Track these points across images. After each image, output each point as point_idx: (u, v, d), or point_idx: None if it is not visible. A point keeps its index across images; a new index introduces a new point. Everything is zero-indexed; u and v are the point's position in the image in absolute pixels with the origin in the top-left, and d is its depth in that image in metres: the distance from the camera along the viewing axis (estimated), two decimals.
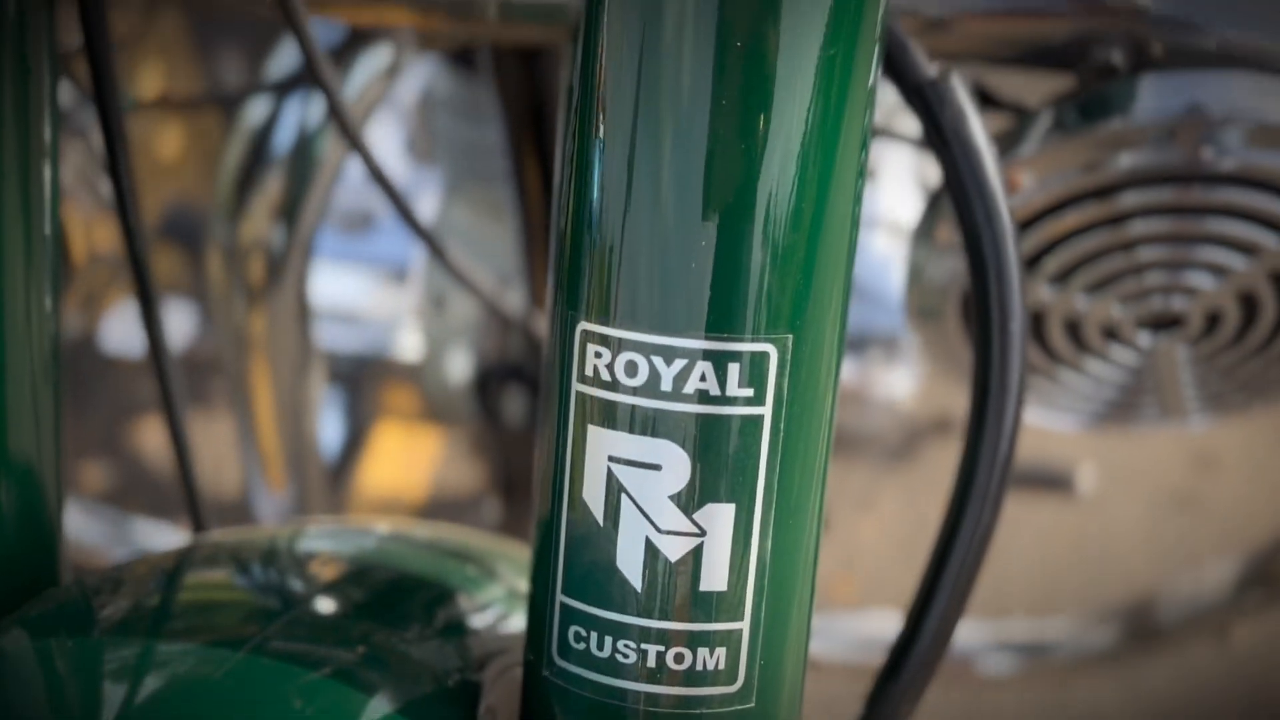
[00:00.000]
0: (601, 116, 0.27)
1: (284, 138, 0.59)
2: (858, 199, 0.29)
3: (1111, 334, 0.50)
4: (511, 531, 0.88)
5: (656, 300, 0.27)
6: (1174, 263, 0.47)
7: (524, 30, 0.47)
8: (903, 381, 0.93)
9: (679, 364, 0.27)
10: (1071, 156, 0.45)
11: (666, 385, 0.27)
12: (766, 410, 0.27)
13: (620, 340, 0.27)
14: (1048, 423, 0.55)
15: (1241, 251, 0.46)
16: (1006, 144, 0.47)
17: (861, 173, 0.29)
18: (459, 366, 0.82)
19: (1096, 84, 0.45)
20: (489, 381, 0.80)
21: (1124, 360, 0.51)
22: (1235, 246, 0.46)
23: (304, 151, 0.60)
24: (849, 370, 0.93)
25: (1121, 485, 1.42)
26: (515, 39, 0.53)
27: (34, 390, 0.35)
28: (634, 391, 0.27)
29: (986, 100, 0.50)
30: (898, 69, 0.35)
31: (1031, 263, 0.48)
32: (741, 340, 0.27)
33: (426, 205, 0.83)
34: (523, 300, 0.74)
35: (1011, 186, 0.46)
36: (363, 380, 0.88)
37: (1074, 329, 0.50)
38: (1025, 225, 0.47)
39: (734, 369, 0.27)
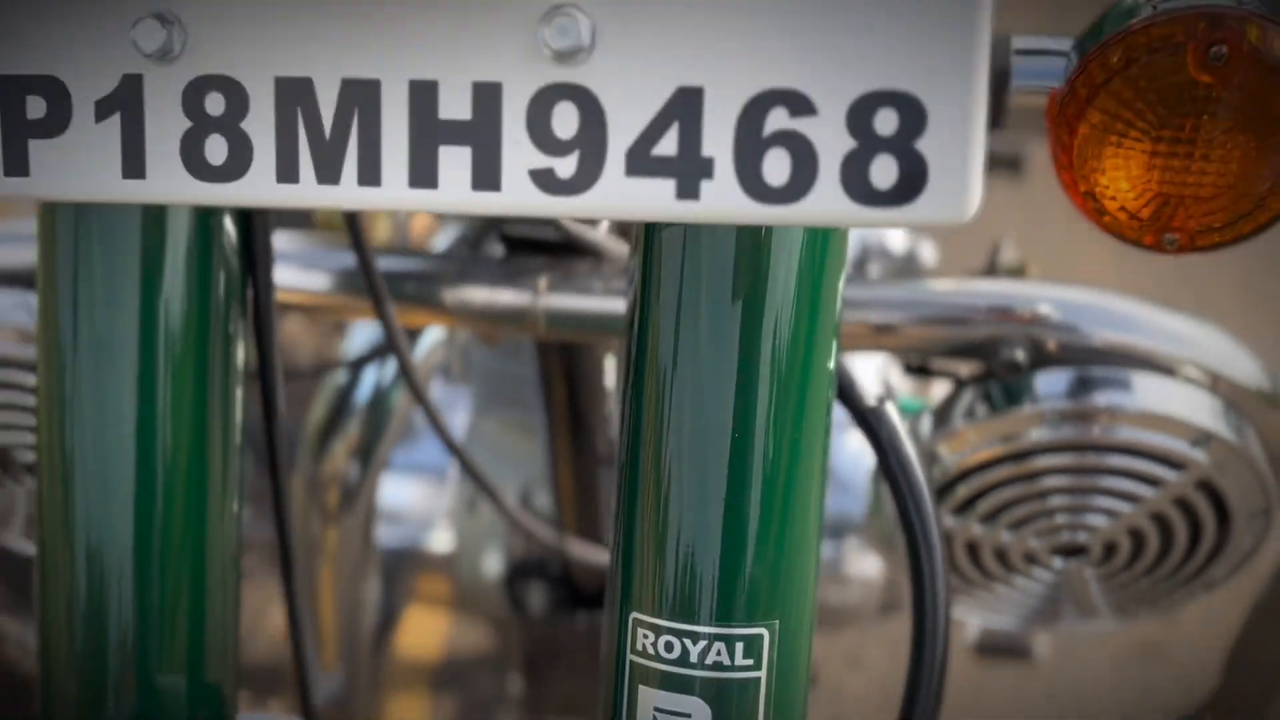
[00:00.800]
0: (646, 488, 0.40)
1: (363, 394, 0.73)
2: (820, 513, 0.42)
3: (1031, 559, 0.63)
4: (531, 707, 0.99)
5: (685, 599, 0.40)
6: (1076, 507, 0.60)
7: (569, 333, 0.61)
8: (875, 562, 1.05)
9: (702, 644, 0.39)
10: (991, 431, 0.58)
11: (694, 658, 0.39)
12: (763, 674, 0.40)
13: (662, 626, 0.40)
14: (991, 625, 0.68)
15: (1125, 499, 0.59)
16: (942, 417, 0.60)
17: (822, 496, 0.42)
18: (487, 560, 0.94)
19: (1007, 374, 0.58)
20: (515, 575, 0.92)
21: (1043, 578, 0.64)
22: (1121, 496, 0.59)
23: (379, 405, 0.73)
24: (827, 552, 1.05)
25: (1083, 643, 1.54)
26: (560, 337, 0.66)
27: (224, 580, 0.46)
28: (671, 662, 0.40)
29: (929, 372, 0.64)
30: (846, 397, 0.48)
31: (965, 507, 0.61)
32: (743, 626, 0.40)
33: (459, 420, 0.96)
34: (549, 502, 0.87)
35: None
36: (402, 570, 1.00)
37: (1001, 555, 0.63)
38: (960, 479, 0.60)
39: (739, 646, 0.40)
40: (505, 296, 0.59)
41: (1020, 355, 0.58)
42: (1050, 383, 0.58)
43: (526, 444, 0.92)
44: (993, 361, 0.58)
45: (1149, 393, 0.57)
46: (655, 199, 0.35)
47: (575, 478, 0.79)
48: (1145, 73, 0.41)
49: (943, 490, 0.60)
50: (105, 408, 0.43)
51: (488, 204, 0.36)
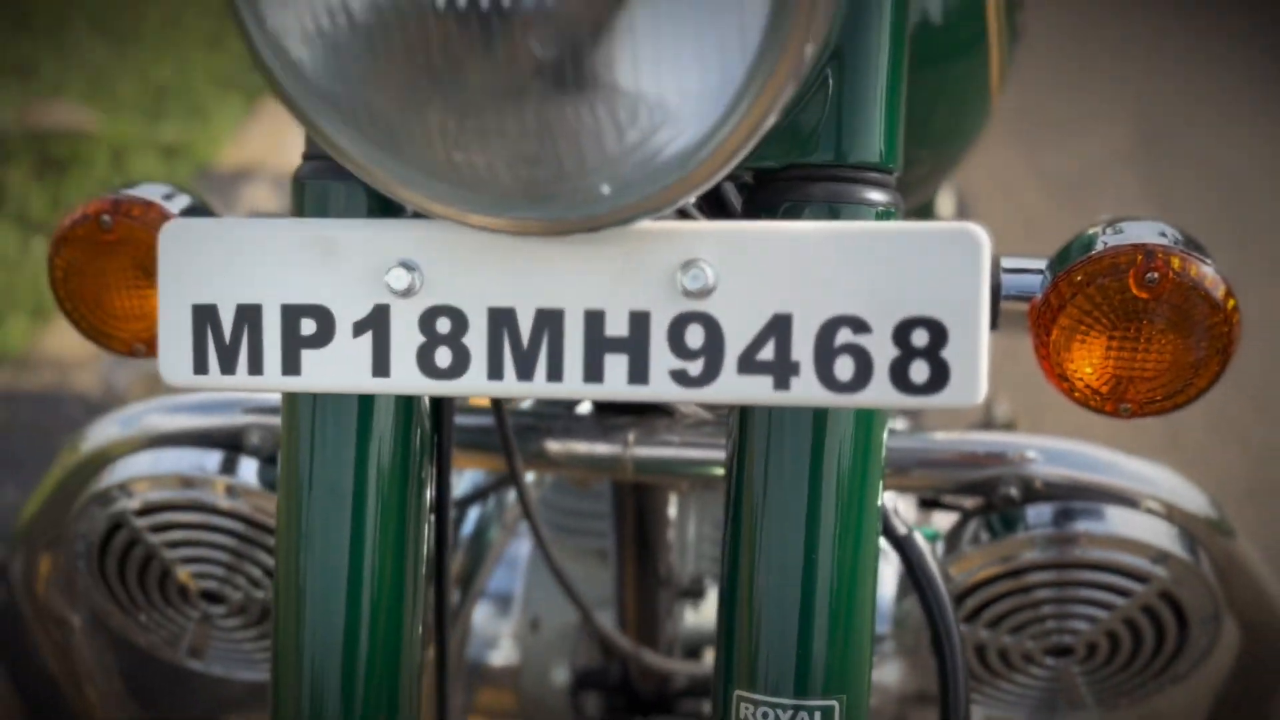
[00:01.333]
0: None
1: (466, 528, 0.87)
2: (873, 615, 0.56)
3: (1028, 658, 0.77)
4: None
5: (775, 676, 0.54)
6: (1062, 614, 0.74)
7: (652, 478, 0.76)
8: (899, 668, 1.19)
9: (788, 713, 0.53)
10: (992, 554, 0.73)
11: None
12: None
13: (759, 700, 0.54)
14: (1000, 714, 0.82)
15: (1101, 607, 0.73)
16: (952, 542, 0.75)
17: (873, 603, 0.56)
18: (552, 673, 1.07)
19: (1003, 507, 0.73)
20: (578, 684, 1.05)
21: (1039, 675, 0.78)
22: (1098, 605, 0.73)
23: (480, 537, 0.87)
24: None
25: None
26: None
27: (413, 683, 0.60)
28: None
29: (941, 505, 0.79)
30: (885, 528, 0.63)
31: (973, 616, 0.75)
32: (817, 698, 0.53)
33: (526, 547, 1.10)
34: (611, 620, 1.00)
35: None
36: (470, 682, 1.13)
37: (1004, 656, 0.77)
38: (968, 594, 0.74)
39: (818, 714, 0.53)
40: (601, 448, 0.74)
41: (1014, 492, 0.73)
42: (1038, 514, 0.73)
43: (584, 568, 1.05)
44: (992, 497, 0.73)
45: (1117, 521, 0.72)
46: (758, 390, 0.50)
47: (639, 595, 0.93)
48: (1100, 290, 0.57)
49: (955, 603, 0.74)
50: (330, 540, 0.57)
51: (639, 394, 0.51)
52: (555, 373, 0.52)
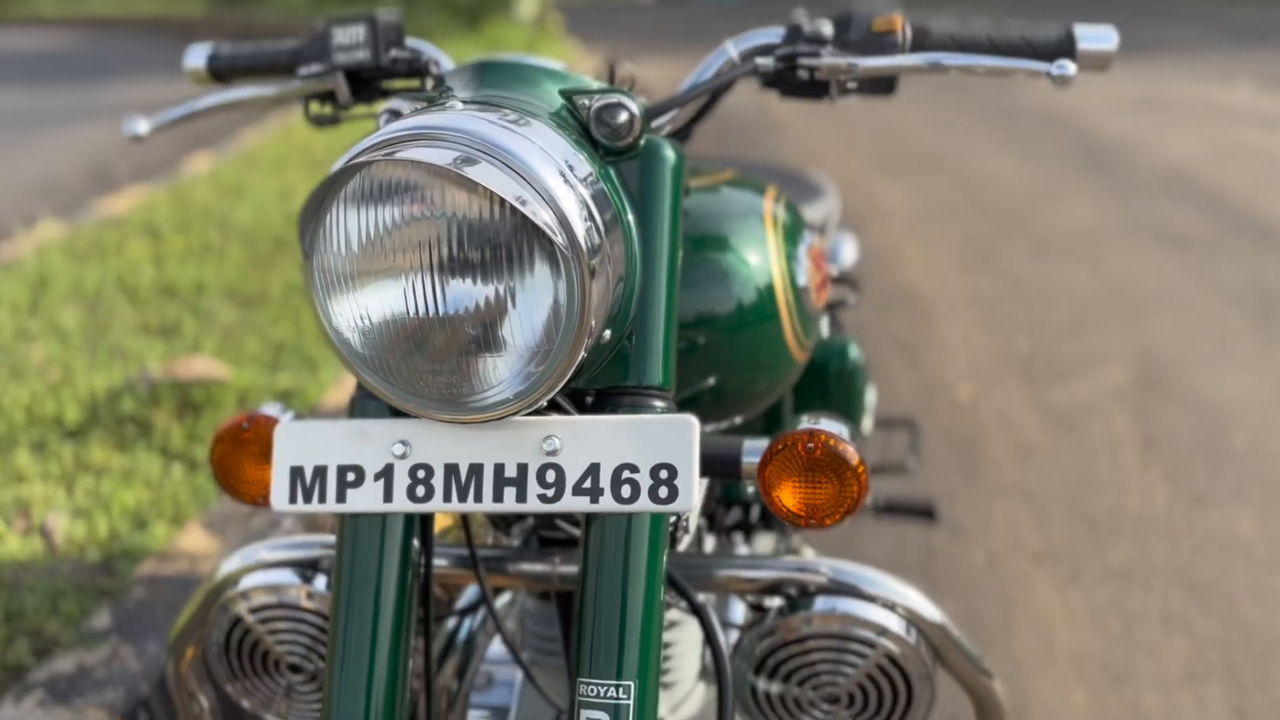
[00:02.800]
0: None
1: (463, 633, 1.30)
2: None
3: (811, 704, 1.17)
4: None
5: (602, 665, 0.96)
6: (828, 672, 1.15)
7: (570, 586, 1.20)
8: None
9: (608, 689, 0.95)
10: (784, 630, 1.15)
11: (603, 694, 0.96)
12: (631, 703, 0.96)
13: (591, 682, 0.96)
14: None
15: (851, 666, 1.14)
16: (759, 624, 1.17)
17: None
18: None
19: (791, 600, 1.16)
20: None
21: (821, 717, 1.18)
22: (848, 665, 1.14)
23: (471, 640, 1.31)
24: None
25: None
26: None
27: None
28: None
29: (757, 607, 1.21)
30: (688, 599, 1.05)
31: (771, 674, 1.16)
32: (624, 679, 0.96)
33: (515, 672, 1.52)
34: None
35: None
36: None
37: (797, 703, 1.17)
38: (767, 657, 1.16)
39: (620, 690, 0.96)
40: (539, 567, 1.18)
41: (794, 591, 1.15)
42: (809, 605, 1.15)
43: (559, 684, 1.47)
44: (784, 593, 1.16)
45: (858, 610, 1.14)
46: (583, 504, 0.95)
47: None
48: (786, 453, 1.02)
49: (759, 665, 1.16)
50: (365, 626, 1.01)
51: (522, 508, 0.97)
52: (479, 497, 0.98)
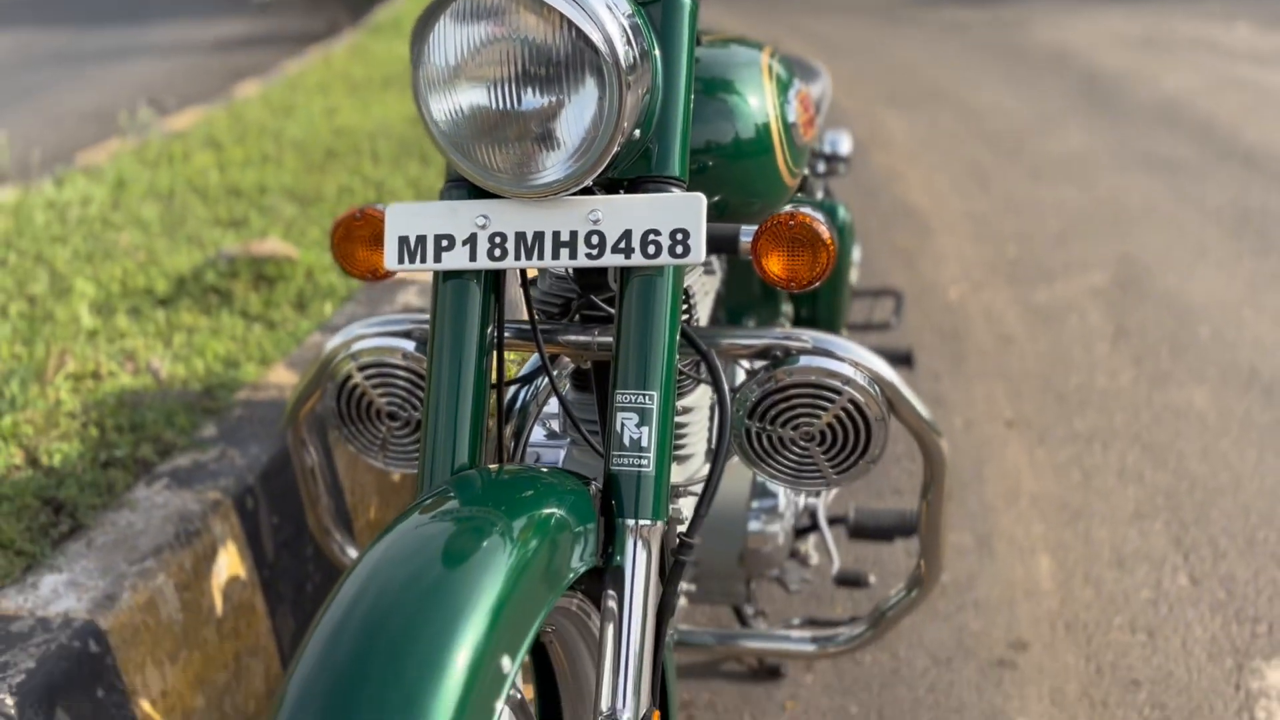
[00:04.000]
0: None
1: (524, 397, 1.67)
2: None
3: (792, 442, 1.53)
4: None
5: (636, 378, 1.33)
6: (804, 414, 1.51)
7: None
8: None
9: (641, 397, 1.32)
10: (768, 379, 1.51)
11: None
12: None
13: (630, 393, 1.32)
14: (774, 485, 1.58)
15: (820, 409, 1.50)
16: (752, 377, 1.54)
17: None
18: None
19: (781, 359, 1.52)
20: None
21: (798, 454, 1.54)
22: (818, 407, 1.51)
23: (527, 406, 1.67)
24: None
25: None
26: None
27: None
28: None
29: (751, 371, 1.58)
30: (695, 346, 1.42)
31: (761, 417, 1.52)
32: (646, 389, 1.32)
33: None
34: None
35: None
36: None
37: (781, 441, 1.54)
38: (759, 403, 1.52)
39: (644, 397, 1.32)
40: (583, 337, 1.53)
41: (780, 354, 1.51)
42: (791, 363, 1.51)
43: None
44: (773, 355, 1.52)
45: (829, 364, 1.50)
46: (619, 259, 1.31)
47: None
48: (773, 229, 1.38)
49: (752, 411, 1.52)
50: (454, 367, 1.36)
51: (574, 263, 1.32)
52: (541, 255, 1.32)
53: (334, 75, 6.46)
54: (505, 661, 0.99)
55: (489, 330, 1.36)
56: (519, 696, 1.02)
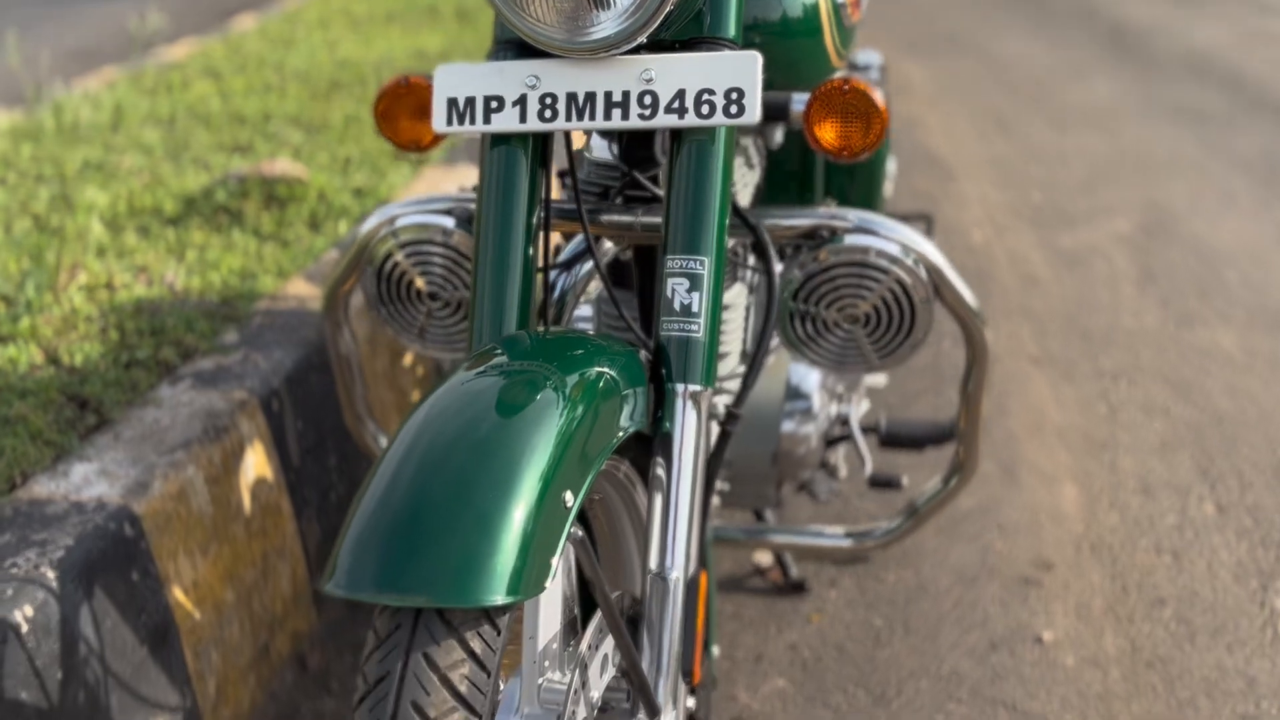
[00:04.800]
0: None
1: (566, 282, 1.63)
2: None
3: (835, 324, 1.50)
4: None
5: (689, 242, 1.29)
6: (848, 294, 1.47)
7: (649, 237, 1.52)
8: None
9: (688, 262, 1.28)
10: (811, 260, 1.47)
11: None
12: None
13: (679, 259, 1.28)
14: (818, 365, 1.54)
15: (867, 289, 1.46)
16: (795, 258, 1.49)
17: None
18: None
19: (824, 241, 1.48)
20: None
21: (841, 336, 1.50)
22: (865, 288, 1.47)
23: (570, 290, 1.64)
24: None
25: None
26: None
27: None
28: None
29: (789, 252, 1.54)
30: (744, 219, 1.38)
31: (805, 299, 1.49)
32: (698, 254, 1.28)
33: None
34: None
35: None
36: None
37: (824, 322, 1.50)
38: (802, 285, 1.48)
39: (696, 263, 1.28)
40: (626, 218, 1.50)
41: (825, 233, 1.47)
42: (837, 241, 1.47)
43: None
44: (816, 236, 1.48)
45: (875, 243, 1.46)
46: (672, 119, 1.26)
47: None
48: (826, 96, 1.33)
49: (796, 292, 1.48)
50: (504, 232, 1.32)
51: (626, 124, 1.27)
52: (592, 116, 1.28)
53: (333, 10, 6.39)
54: (568, 495, 0.96)
55: (536, 204, 1.32)
56: (580, 534, 0.99)
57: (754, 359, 1.35)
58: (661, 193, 1.56)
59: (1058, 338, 3.38)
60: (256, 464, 1.99)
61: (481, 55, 5.23)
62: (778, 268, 1.42)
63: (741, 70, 1.25)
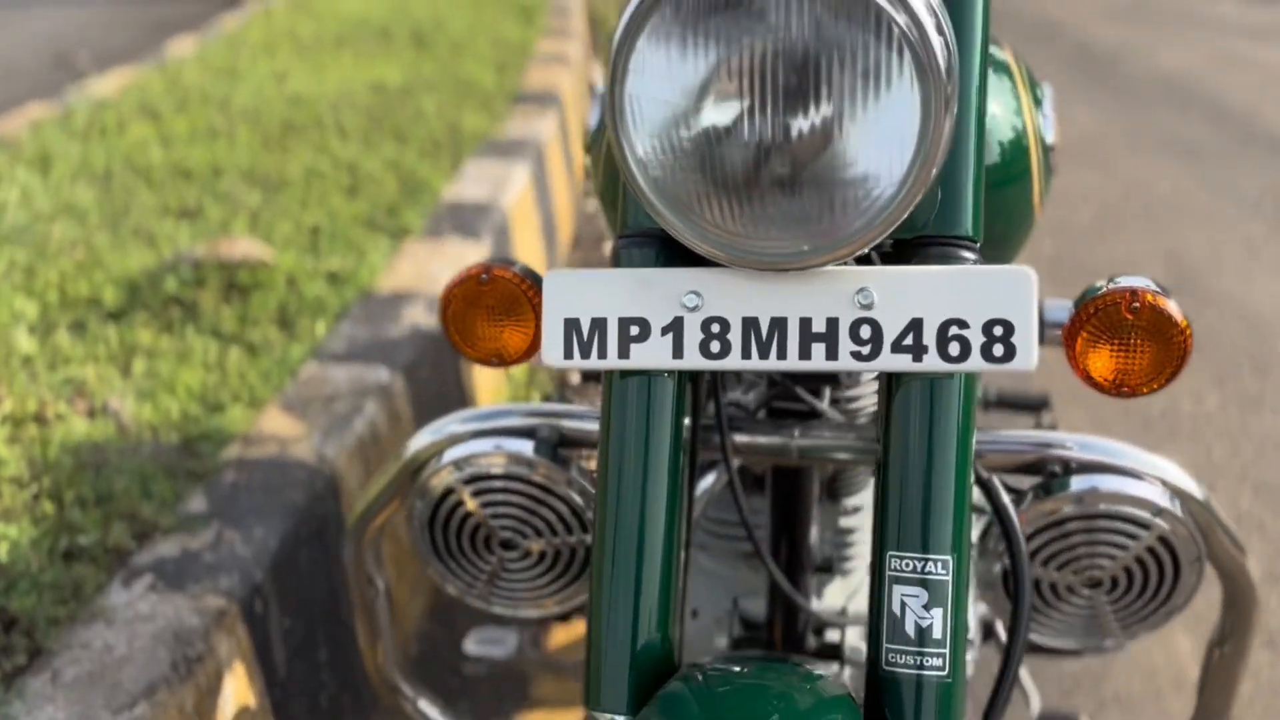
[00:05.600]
0: None
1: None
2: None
3: (1070, 590, 1.10)
4: None
5: (911, 537, 0.89)
6: (1090, 554, 1.08)
7: (809, 462, 1.11)
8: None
9: (920, 563, 0.88)
10: (1042, 511, 1.08)
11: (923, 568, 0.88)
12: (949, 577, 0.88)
13: (903, 555, 0.88)
14: (1051, 643, 1.15)
15: (1117, 548, 1.08)
16: (1018, 503, 1.10)
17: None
18: (709, 649, 1.40)
19: (1050, 480, 1.08)
20: (739, 640, 1.37)
21: (1077, 604, 1.11)
22: (1115, 546, 1.08)
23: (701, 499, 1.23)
24: None
25: None
26: None
27: (672, 575, 0.95)
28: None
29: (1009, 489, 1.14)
30: (978, 477, 0.98)
31: (1030, 558, 1.09)
32: (937, 553, 0.88)
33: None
34: (760, 605, 1.33)
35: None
36: None
37: (1054, 588, 1.11)
38: (1027, 541, 1.09)
39: (937, 564, 0.88)
40: (777, 439, 1.10)
41: (1057, 469, 1.08)
42: (1076, 483, 1.08)
43: (731, 566, 1.39)
44: (1041, 473, 1.09)
45: (1128, 487, 1.07)
46: (903, 362, 0.87)
47: (787, 570, 1.27)
48: (1104, 316, 0.94)
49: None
50: (636, 491, 0.92)
51: (832, 366, 0.88)
52: (782, 354, 0.88)
53: (278, 33, 5.87)
54: None
55: (681, 452, 0.93)
56: None
57: (1003, 675, 0.95)
58: (824, 406, 1.15)
59: (1116, 426, 3.03)
60: (237, 694, 1.56)
61: (448, 88, 4.78)
62: (1018, 530, 1.03)
63: (1009, 293, 0.86)
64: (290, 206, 3.22)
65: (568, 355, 0.91)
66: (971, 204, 0.91)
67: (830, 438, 1.10)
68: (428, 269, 2.77)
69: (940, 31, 0.79)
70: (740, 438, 1.11)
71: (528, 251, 3.52)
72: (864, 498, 1.36)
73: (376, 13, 6.21)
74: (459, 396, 2.68)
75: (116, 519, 1.74)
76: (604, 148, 1.25)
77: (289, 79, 4.77)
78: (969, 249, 0.91)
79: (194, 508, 1.78)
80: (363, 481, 2.03)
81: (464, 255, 2.88)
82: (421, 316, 2.50)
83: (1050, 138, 1.23)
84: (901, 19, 0.77)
